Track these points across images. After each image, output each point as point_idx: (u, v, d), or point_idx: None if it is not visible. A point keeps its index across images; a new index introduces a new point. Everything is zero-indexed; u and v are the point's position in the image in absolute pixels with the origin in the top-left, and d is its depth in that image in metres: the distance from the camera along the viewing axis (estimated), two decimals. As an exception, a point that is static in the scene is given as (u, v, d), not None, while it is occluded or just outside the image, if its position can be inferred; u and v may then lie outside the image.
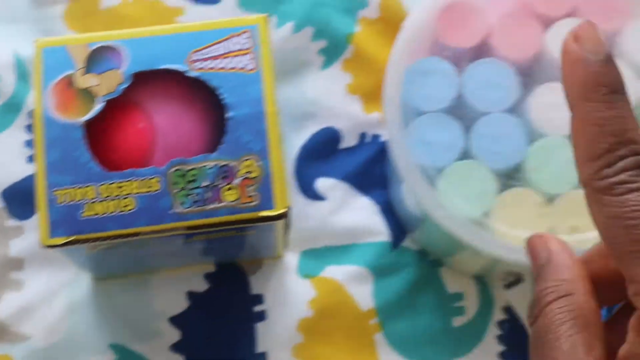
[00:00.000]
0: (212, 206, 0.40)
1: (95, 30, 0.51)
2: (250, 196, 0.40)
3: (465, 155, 0.42)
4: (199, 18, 0.52)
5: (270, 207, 0.40)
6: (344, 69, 0.52)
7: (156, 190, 0.40)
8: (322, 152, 0.51)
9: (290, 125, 0.51)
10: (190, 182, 0.40)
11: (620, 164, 0.26)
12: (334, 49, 0.52)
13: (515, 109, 0.42)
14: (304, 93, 0.51)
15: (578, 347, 0.27)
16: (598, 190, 0.27)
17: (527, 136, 0.41)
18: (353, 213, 0.50)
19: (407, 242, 0.50)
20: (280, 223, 0.41)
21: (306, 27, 0.51)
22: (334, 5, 0.52)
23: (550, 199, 0.41)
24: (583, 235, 0.40)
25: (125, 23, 0.52)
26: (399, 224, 0.50)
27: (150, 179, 0.40)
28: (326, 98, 0.51)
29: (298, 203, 0.50)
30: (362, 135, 0.51)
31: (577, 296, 0.28)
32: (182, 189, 0.40)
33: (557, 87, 0.41)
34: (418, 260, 0.50)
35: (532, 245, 0.31)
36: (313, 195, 0.50)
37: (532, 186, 0.41)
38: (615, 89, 0.27)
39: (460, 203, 0.41)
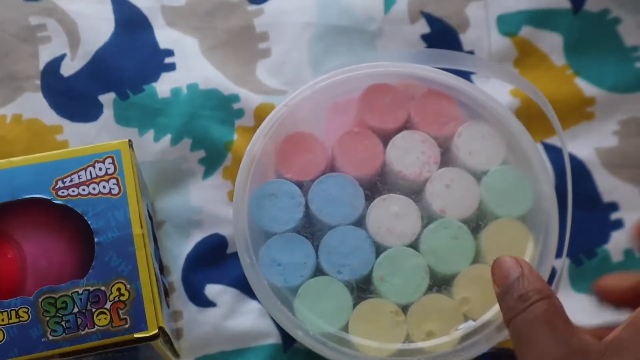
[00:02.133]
0: (84, 332, 0.40)
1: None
2: (122, 319, 0.41)
3: (317, 271, 0.43)
4: (77, 135, 0.53)
5: (143, 329, 0.41)
6: (225, 177, 0.53)
7: (26, 320, 0.40)
8: (210, 259, 0.52)
9: (177, 235, 0.52)
10: (60, 309, 0.40)
11: None
12: (213, 158, 0.53)
13: (362, 222, 0.43)
14: (188, 202, 0.52)
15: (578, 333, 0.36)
16: None
17: (374, 247, 0.43)
18: (244, 317, 0.50)
19: (299, 344, 0.50)
20: (157, 341, 0.41)
21: (184, 139, 0.53)
22: (211, 116, 0.53)
23: (404, 307, 0.42)
24: (439, 339, 0.41)
25: (3, 145, 0.52)
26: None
27: (19, 309, 0.40)
28: (210, 206, 0.52)
29: (189, 310, 0.50)
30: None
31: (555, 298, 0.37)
32: (53, 316, 0.40)
33: (394, 198, 0.43)
34: (310, 361, 0.50)
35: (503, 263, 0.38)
36: (203, 302, 0.51)
37: (383, 297, 0.42)
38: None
39: (317, 320, 0.41)
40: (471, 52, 0.56)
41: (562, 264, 0.42)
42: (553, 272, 0.43)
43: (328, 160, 0.44)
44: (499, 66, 0.52)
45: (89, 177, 0.42)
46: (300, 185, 0.43)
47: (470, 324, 0.41)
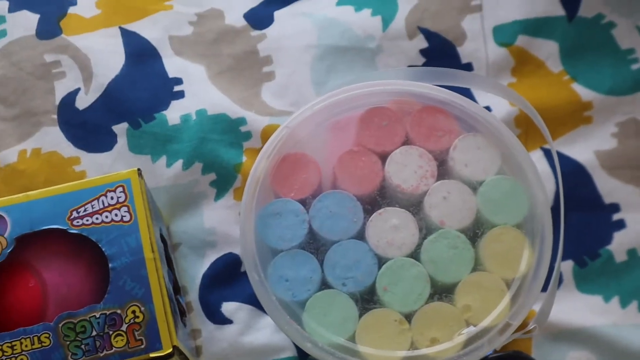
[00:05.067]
0: (103, 353, 0.43)
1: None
2: (138, 340, 0.43)
3: (323, 285, 0.44)
4: (94, 165, 0.55)
5: (158, 348, 0.43)
6: (235, 198, 0.55)
7: (48, 345, 0.42)
8: (225, 278, 0.54)
9: (192, 256, 0.54)
10: (80, 333, 0.43)
11: None
12: (224, 180, 0.55)
13: (363, 235, 0.45)
14: (201, 224, 0.54)
15: None
16: None
17: (376, 259, 0.44)
18: (259, 332, 0.52)
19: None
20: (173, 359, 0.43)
21: (195, 163, 0.55)
22: (220, 140, 0.55)
23: (408, 316, 0.44)
24: (442, 345, 0.43)
25: (23, 178, 0.55)
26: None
27: (41, 335, 0.42)
28: (222, 226, 0.54)
29: (206, 328, 0.52)
30: (261, 257, 0.54)
31: None
32: (73, 340, 0.43)
33: (391, 211, 0.45)
34: (325, 372, 0.52)
35: None
36: (220, 319, 0.53)
37: (387, 306, 0.44)
38: None
39: (325, 332, 0.43)
40: (469, 64, 0.57)
41: (557, 265, 0.43)
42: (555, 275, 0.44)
43: (321, 179, 0.46)
44: (488, 80, 0.54)
45: (101, 206, 0.45)
46: (303, 203, 0.45)
47: (472, 329, 0.43)
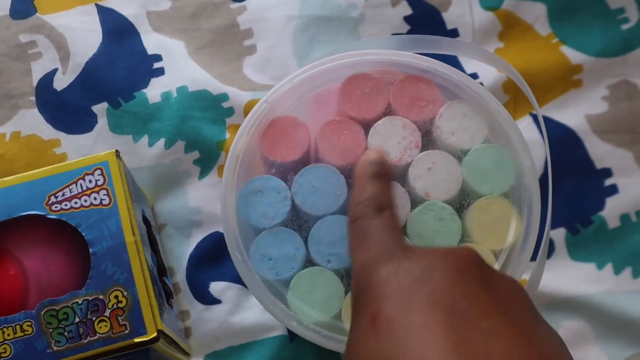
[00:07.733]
0: (87, 340, 0.42)
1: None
2: (122, 325, 0.42)
3: (308, 262, 0.43)
4: (74, 147, 0.54)
5: (142, 333, 0.42)
6: (220, 176, 0.54)
7: (30, 334, 0.42)
8: (212, 257, 0.53)
9: (178, 236, 0.53)
10: (62, 320, 0.42)
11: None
12: (207, 158, 0.54)
13: (347, 210, 0.44)
14: (186, 203, 0.53)
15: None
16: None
17: None
18: (248, 312, 0.52)
19: (305, 333, 0.51)
20: (158, 344, 0.43)
21: (178, 141, 0.54)
22: (202, 117, 0.54)
23: None
24: None
25: (3, 162, 0.54)
26: (294, 316, 0.52)
27: (23, 323, 0.42)
28: (208, 205, 0.53)
29: (195, 309, 0.52)
30: (248, 235, 0.53)
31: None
32: (56, 327, 0.42)
33: None
34: (317, 351, 0.51)
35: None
36: (208, 299, 0.52)
37: None
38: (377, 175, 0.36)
39: (310, 310, 0.42)
40: (454, 30, 0.56)
41: (546, 233, 0.42)
42: (550, 245, 0.44)
43: (311, 142, 0.45)
44: (472, 46, 0.52)
45: (79, 190, 0.44)
46: (285, 179, 0.44)
47: None
